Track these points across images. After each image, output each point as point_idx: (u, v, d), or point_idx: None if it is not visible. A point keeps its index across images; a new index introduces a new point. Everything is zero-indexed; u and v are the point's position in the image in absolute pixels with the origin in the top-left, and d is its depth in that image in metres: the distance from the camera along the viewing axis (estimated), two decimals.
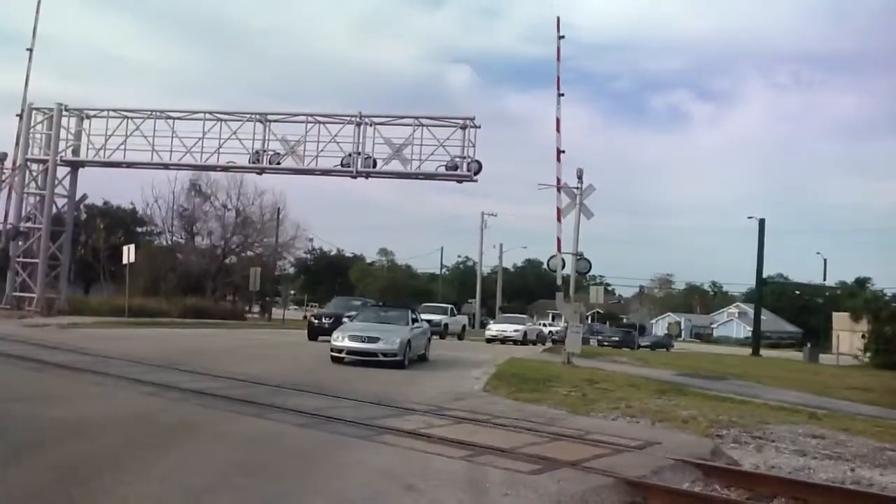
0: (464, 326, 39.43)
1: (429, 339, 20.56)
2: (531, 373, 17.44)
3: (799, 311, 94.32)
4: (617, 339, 49.68)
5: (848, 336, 51.78)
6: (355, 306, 28.47)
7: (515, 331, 36.39)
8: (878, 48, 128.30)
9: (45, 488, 5.72)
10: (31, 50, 29.76)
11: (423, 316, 29.34)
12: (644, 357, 32.12)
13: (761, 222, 53.73)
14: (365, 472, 6.78)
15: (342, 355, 16.70)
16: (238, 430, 8.56)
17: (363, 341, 16.70)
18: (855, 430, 11.67)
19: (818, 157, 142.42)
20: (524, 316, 44.07)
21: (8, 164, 29.94)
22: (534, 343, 36.67)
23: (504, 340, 34.66)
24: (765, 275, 57.74)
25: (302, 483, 6.38)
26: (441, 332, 33.82)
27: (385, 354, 16.59)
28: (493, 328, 37.48)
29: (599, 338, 48.47)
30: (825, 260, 63.16)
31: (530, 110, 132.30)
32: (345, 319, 21.96)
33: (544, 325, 55.45)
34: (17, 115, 29.52)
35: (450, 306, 39.70)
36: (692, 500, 6.89)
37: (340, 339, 16.92)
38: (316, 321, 26.77)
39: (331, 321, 24.86)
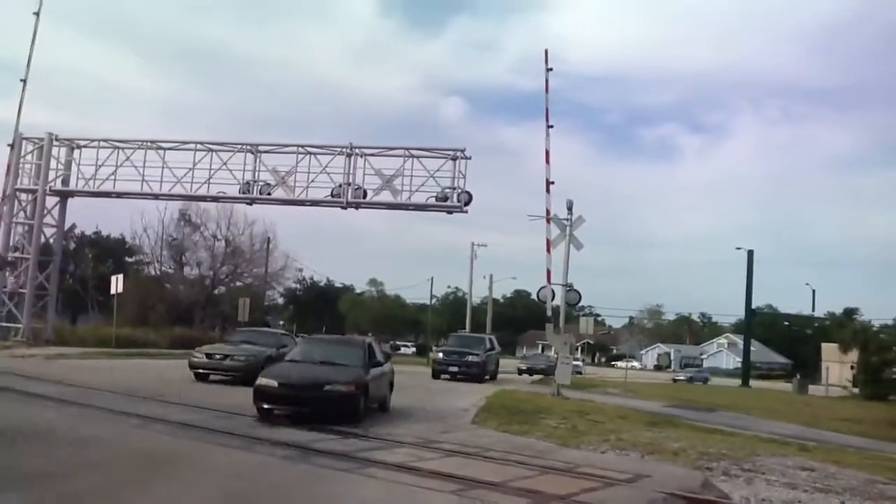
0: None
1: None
2: (521, 405, 17.37)
3: (788, 341, 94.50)
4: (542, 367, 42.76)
5: (837, 367, 51.94)
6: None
7: None
8: (866, 81, 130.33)
9: None
10: (24, 81, 29.81)
11: None
12: (635, 388, 32.03)
13: (749, 253, 54.19)
14: None
15: None
16: (224, 462, 8.47)
17: None
18: (845, 462, 11.66)
19: (807, 188, 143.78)
20: None
21: None
22: None
23: None
24: (754, 306, 57.98)
25: None
26: None
27: None
28: None
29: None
30: (813, 291, 63.48)
31: (521, 141, 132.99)
32: None
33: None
34: (7, 146, 29.51)
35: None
36: None
37: None
38: None
39: None
